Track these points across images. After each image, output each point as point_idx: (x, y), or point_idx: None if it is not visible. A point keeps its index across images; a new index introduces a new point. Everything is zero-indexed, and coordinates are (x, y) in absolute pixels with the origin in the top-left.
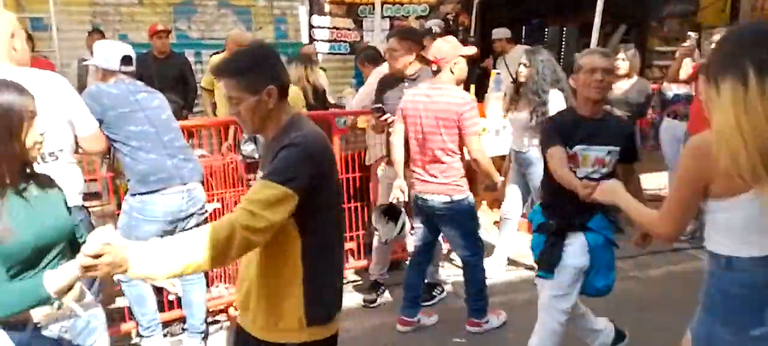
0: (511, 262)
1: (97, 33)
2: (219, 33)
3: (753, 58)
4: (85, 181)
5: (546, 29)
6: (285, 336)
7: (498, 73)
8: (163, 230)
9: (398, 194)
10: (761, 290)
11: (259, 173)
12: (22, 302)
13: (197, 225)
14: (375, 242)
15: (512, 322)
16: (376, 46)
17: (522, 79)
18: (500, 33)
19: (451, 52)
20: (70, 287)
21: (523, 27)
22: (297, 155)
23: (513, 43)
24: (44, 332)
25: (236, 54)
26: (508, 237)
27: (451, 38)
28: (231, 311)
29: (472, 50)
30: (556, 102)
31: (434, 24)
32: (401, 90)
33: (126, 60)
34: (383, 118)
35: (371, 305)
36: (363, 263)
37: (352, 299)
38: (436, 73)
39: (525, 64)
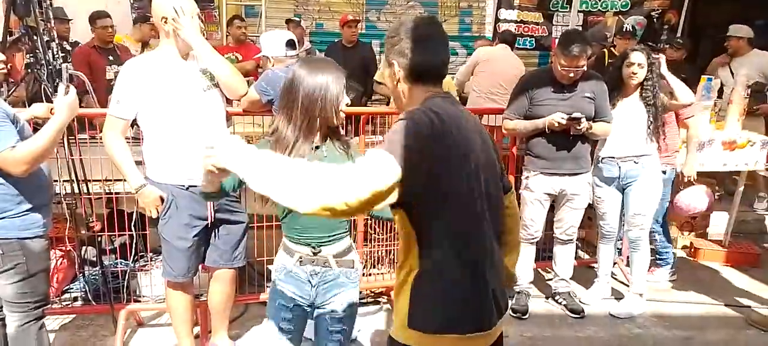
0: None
1: (291, 23)
2: None
3: None
4: None
5: None
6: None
7: (709, 80)
8: None
9: None
10: None
11: None
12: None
13: None
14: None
15: None
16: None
17: (635, 82)
18: (741, 30)
19: None
20: None
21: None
22: None
23: (749, 46)
24: (298, 268)
25: None
26: (611, 258)
27: None
28: (392, 294)
29: None
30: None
31: (633, 21)
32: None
33: (290, 44)
34: (582, 127)
35: (523, 317)
36: None
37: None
38: None
39: (640, 65)
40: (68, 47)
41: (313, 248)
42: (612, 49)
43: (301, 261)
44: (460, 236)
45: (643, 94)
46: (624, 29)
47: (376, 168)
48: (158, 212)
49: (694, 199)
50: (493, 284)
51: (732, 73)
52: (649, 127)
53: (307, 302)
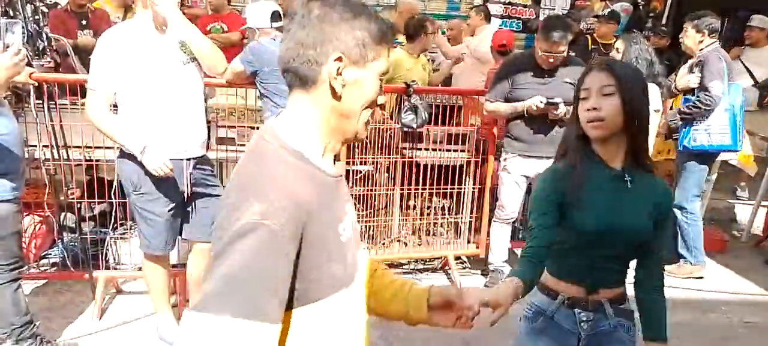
0: None
1: None
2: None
3: None
4: None
5: None
6: None
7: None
8: None
9: None
10: None
11: None
12: None
13: None
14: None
15: None
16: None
17: None
18: (764, 22)
19: None
20: None
21: (726, 19)
22: None
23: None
24: (562, 313)
25: None
26: None
27: None
28: None
29: None
30: (653, 97)
31: (620, 7)
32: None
33: (275, 16)
34: (559, 112)
35: None
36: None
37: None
38: None
39: (617, 50)
40: (45, 9)
41: (588, 288)
42: (593, 35)
43: (566, 304)
44: None
45: None
46: (606, 13)
47: None
48: (168, 173)
49: None
50: None
51: (746, 67)
52: None
53: None
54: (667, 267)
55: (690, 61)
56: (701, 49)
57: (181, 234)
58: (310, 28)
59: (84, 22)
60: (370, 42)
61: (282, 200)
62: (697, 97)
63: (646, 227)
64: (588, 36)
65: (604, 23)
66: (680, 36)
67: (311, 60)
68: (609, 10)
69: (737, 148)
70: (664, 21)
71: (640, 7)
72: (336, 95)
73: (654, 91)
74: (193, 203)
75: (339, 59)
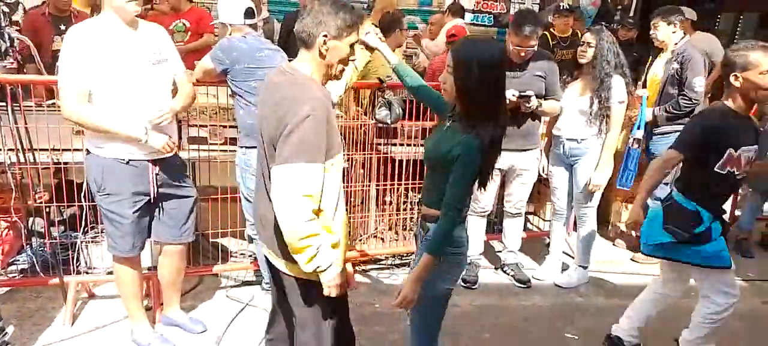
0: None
1: None
2: None
3: None
4: None
5: (719, 15)
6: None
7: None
8: None
9: None
10: None
11: None
12: None
13: None
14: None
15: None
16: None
17: (583, 61)
18: (687, 12)
19: None
20: None
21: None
22: None
23: (692, 30)
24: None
25: None
26: (563, 235)
27: None
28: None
29: None
30: (618, 88)
31: (587, 1)
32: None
33: (248, 13)
34: (531, 104)
35: (473, 287)
36: None
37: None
38: None
39: (589, 44)
40: (5, 9)
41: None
42: (551, 29)
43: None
44: None
45: (591, 77)
46: (560, 7)
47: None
48: (171, 148)
49: None
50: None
51: None
52: (590, 113)
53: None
54: (635, 255)
55: (662, 55)
56: (676, 43)
57: (150, 236)
58: (312, 16)
59: (63, 27)
60: (344, 26)
61: (318, 101)
62: (682, 94)
63: (433, 154)
64: (547, 32)
65: (560, 17)
66: (651, 31)
67: (311, 34)
68: (567, 5)
69: None
70: (631, 13)
71: (609, 1)
72: (322, 56)
73: (619, 83)
74: (161, 204)
75: (325, 36)
